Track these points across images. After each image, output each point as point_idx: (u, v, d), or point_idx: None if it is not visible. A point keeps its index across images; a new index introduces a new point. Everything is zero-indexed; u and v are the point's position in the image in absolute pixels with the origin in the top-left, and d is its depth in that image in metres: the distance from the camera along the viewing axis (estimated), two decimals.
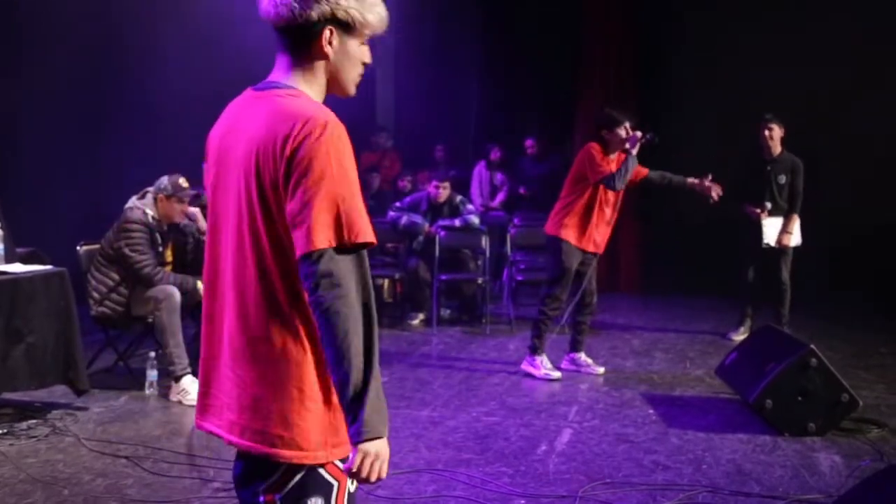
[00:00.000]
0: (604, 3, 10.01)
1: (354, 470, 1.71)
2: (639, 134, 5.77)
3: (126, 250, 5.38)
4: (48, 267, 5.07)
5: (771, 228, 6.99)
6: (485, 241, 7.93)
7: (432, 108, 11.04)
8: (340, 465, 1.81)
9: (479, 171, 10.17)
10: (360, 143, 10.63)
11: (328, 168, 1.70)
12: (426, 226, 7.92)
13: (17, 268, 4.88)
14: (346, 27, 1.85)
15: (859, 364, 6.40)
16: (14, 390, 4.74)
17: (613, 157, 5.85)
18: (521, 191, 9.92)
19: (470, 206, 8.20)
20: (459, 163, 10.55)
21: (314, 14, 1.80)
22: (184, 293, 5.46)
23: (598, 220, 5.87)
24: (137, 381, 5.50)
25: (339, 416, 1.77)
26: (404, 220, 7.96)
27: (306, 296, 1.72)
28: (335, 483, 1.83)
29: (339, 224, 1.69)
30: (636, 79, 10.06)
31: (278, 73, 1.89)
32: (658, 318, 8.42)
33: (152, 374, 5.42)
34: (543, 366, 5.98)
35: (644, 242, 10.11)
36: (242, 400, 1.82)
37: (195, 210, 6.05)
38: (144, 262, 5.40)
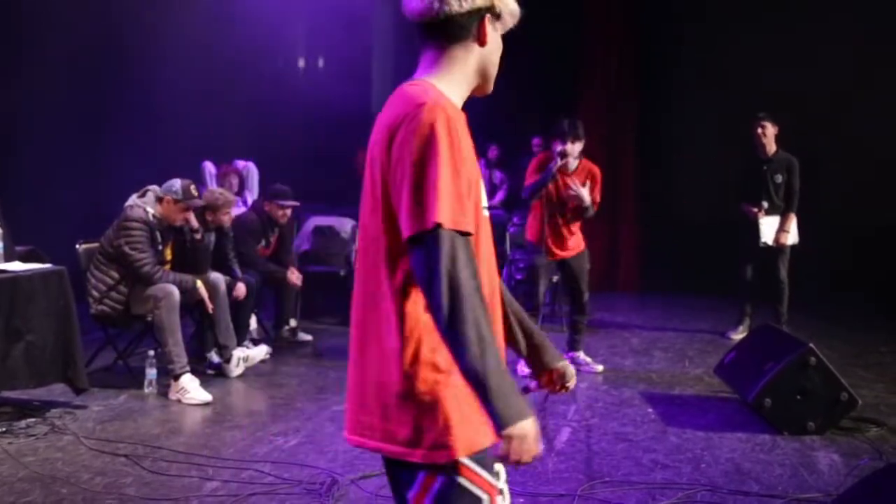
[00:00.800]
0: (605, 4, 10.01)
1: (503, 456, 1.66)
2: (557, 149, 5.82)
3: (126, 248, 5.38)
4: (47, 265, 5.07)
5: (768, 227, 7.01)
6: None
7: None
8: (489, 477, 1.78)
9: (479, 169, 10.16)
10: (357, 143, 10.65)
11: (419, 151, 1.68)
12: None
13: (17, 266, 4.88)
14: (498, 18, 1.85)
15: (859, 363, 6.40)
16: (13, 389, 4.74)
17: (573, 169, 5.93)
18: (525, 195, 9.91)
19: None
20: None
21: (478, 3, 1.80)
22: (183, 292, 5.46)
23: (550, 231, 5.97)
24: (136, 380, 5.50)
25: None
26: None
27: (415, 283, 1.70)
28: (485, 497, 1.77)
29: (438, 207, 1.64)
30: (637, 79, 10.08)
31: (421, 70, 1.87)
32: (657, 317, 8.42)
33: (151, 373, 5.42)
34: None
35: (643, 242, 10.11)
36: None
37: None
38: (144, 260, 5.40)
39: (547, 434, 4.69)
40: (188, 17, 8.21)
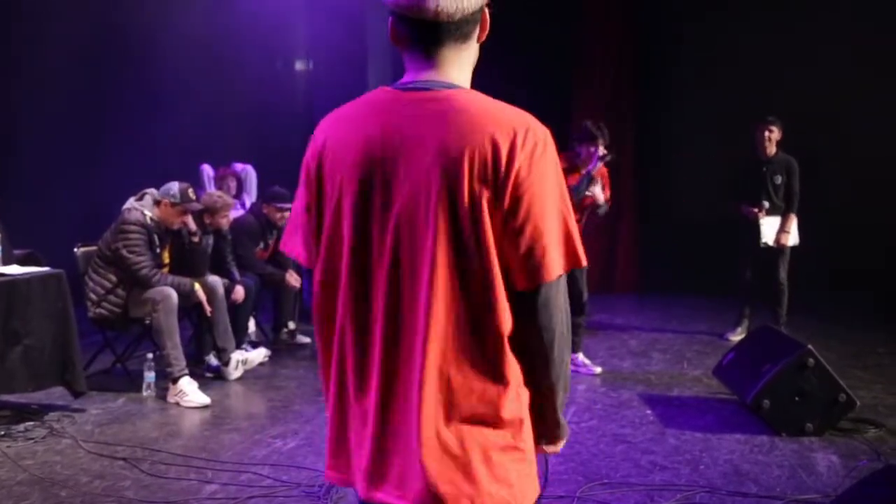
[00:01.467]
0: (603, 4, 10.02)
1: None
2: (603, 151, 5.90)
3: (123, 251, 5.38)
4: (45, 268, 5.07)
5: (769, 228, 7.00)
6: None
7: None
8: None
9: None
10: None
11: (559, 183, 1.61)
12: None
13: (15, 270, 4.88)
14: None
15: (857, 364, 6.40)
16: (11, 392, 4.74)
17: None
18: None
19: None
20: None
21: None
22: (181, 295, 5.46)
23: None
24: (135, 383, 5.50)
25: None
26: None
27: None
28: None
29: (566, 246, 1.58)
30: (635, 79, 10.07)
31: (441, 73, 1.63)
32: (655, 319, 8.42)
33: (150, 376, 5.42)
34: None
35: (641, 243, 10.12)
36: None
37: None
38: (142, 263, 5.39)
39: None
40: (188, 19, 8.21)
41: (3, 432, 4.52)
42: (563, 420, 1.72)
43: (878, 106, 8.79)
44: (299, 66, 10.91)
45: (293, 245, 1.73)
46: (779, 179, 7.01)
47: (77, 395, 4.96)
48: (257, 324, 6.98)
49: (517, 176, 1.51)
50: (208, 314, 5.70)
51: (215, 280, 5.93)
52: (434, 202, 1.52)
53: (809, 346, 4.80)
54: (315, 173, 1.66)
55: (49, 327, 4.79)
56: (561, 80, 10.23)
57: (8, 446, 4.34)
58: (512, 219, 1.52)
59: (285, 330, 7.01)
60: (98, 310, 5.50)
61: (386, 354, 1.58)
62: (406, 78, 1.65)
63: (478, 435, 1.57)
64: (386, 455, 1.60)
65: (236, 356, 5.89)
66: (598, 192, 5.97)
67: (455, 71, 1.64)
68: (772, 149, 7.05)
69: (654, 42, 10.08)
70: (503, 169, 1.50)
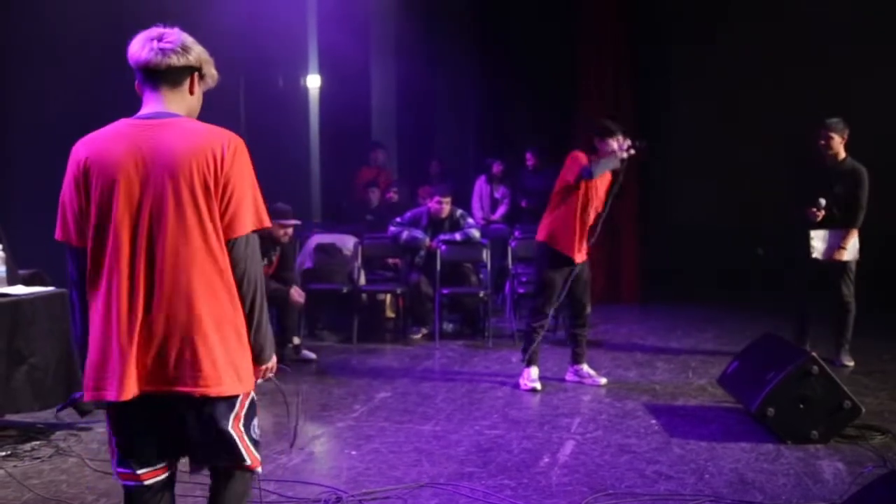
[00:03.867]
0: (602, 18, 10.06)
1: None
2: (629, 142, 5.84)
3: None
4: (50, 288, 5.09)
5: (819, 241, 6.44)
6: (486, 255, 7.96)
7: (430, 121, 11.10)
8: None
9: (480, 185, 10.22)
10: (357, 161, 10.71)
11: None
12: (427, 240, 7.94)
13: (20, 290, 4.90)
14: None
15: (861, 370, 6.40)
16: (17, 412, 4.75)
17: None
18: (523, 204, 9.95)
19: (471, 220, 8.22)
20: (456, 176, 10.59)
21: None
22: None
23: (583, 229, 5.94)
24: None
25: None
26: (405, 235, 7.98)
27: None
28: None
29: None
30: (635, 91, 10.09)
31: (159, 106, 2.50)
32: (660, 328, 8.42)
33: None
34: (528, 377, 6.01)
35: (645, 252, 10.12)
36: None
37: None
38: None
39: (550, 447, 4.70)
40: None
41: (9, 452, 4.54)
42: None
43: (878, 107, 8.79)
44: (302, 82, 10.98)
45: (66, 232, 2.45)
46: (839, 189, 6.38)
47: (83, 413, 4.96)
48: None
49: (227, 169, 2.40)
50: None
51: None
52: (172, 189, 2.36)
53: (813, 354, 4.80)
54: (83, 179, 2.40)
55: (54, 346, 4.81)
56: (561, 94, 10.28)
57: (14, 465, 4.35)
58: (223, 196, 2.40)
59: (290, 346, 7.02)
60: None
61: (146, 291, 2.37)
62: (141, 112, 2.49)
63: None
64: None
65: None
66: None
67: (174, 106, 2.49)
68: (835, 155, 6.42)
69: (653, 56, 10.13)
70: (220, 165, 2.39)
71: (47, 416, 5.07)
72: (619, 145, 5.84)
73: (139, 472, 2.46)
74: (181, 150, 2.36)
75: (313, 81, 10.99)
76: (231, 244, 2.40)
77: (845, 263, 6.45)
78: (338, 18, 10.21)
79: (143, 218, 2.35)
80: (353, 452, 4.62)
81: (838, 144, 6.43)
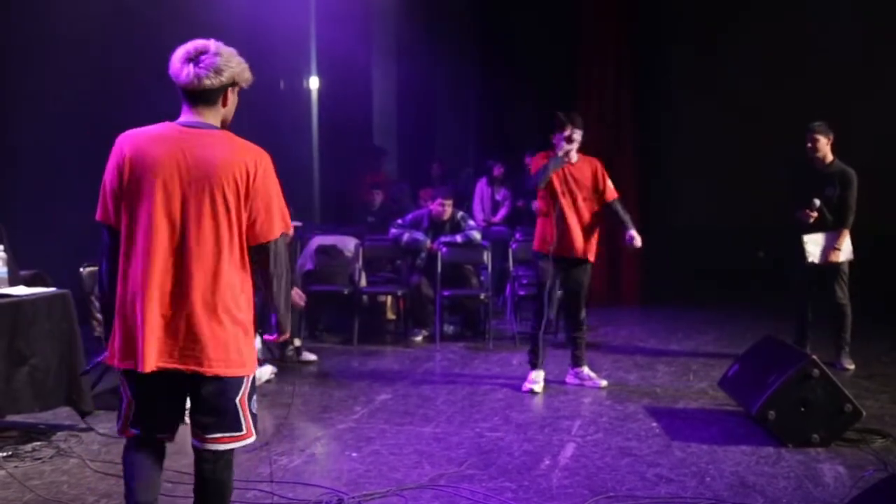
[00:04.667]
0: (603, 18, 10.07)
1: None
2: (565, 134, 5.73)
3: None
4: (51, 289, 5.09)
5: (813, 246, 6.45)
6: (486, 257, 7.97)
7: (431, 122, 11.11)
8: None
9: (481, 187, 10.23)
10: (359, 163, 10.72)
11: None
12: (428, 242, 7.95)
13: (21, 290, 4.90)
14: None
15: (862, 373, 6.40)
16: (18, 412, 4.75)
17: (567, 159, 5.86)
18: (520, 203, 9.96)
19: (471, 222, 8.23)
20: (456, 177, 10.60)
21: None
22: None
23: (570, 226, 5.83)
24: None
25: None
26: (406, 237, 7.98)
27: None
28: None
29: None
30: (635, 93, 10.11)
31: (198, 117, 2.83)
32: (660, 331, 8.42)
33: None
34: (529, 379, 6.02)
35: (645, 254, 10.09)
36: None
37: None
38: None
39: (551, 449, 4.70)
40: (195, 34, 8.25)
41: (10, 452, 4.53)
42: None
43: (877, 110, 8.81)
44: (304, 84, 10.98)
45: (105, 213, 2.78)
46: (831, 191, 6.40)
47: (84, 414, 4.97)
48: (263, 341, 6.98)
49: (255, 181, 2.76)
50: None
51: None
52: (209, 193, 2.71)
53: (814, 357, 4.81)
54: (125, 170, 2.73)
55: (55, 347, 4.81)
56: (563, 93, 10.29)
57: (15, 466, 4.35)
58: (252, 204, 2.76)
59: (291, 347, 7.02)
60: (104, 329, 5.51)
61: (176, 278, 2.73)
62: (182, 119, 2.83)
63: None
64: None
65: None
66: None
67: (210, 118, 2.81)
68: (822, 158, 6.45)
69: (655, 64, 10.14)
70: (252, 177, 2.75)
71: (48, 416, 5.08)
72: (568, 133, 5.72)
73: (144, 434, 2.90)
74: (221, 160, 2.70)
75: (314, 83, 11.00)
76: (264, 246, 2.80)
77: (839, 265, 6.47)
78: (338, 20, 10.22)
79: (181, 213, 2.69)
80: (354, 454, 4.62)
81: (825, 146, 6.46)
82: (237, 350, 2.79)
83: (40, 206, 7.41)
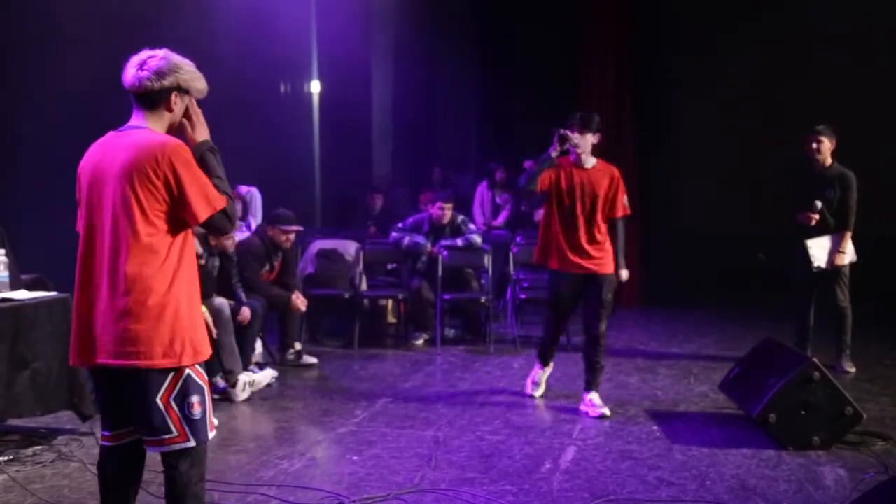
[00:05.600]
0: (603, 19, 10.08)
1: None
2: (559, 131, 5.36)
3: None
4: (53, 293, 5.10)
5: (819, 250, 6.40)
6: (487, 260, 7.97)
7: (431, 124, 11.12)
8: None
9: (482, 191, 10.24)
10: (359, 167, 10.72)
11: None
12: (429, 246, 7.95)
13: (22, 295, 4.90)
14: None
15: (863, 376, 6.40)
16: (19, 416, 4.75)
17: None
18: (524, 208, 9.96)
19: (472, 226, 8.24)
20: (458, 181, 10.61)
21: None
22: None
23: (570, 239, 5.45)
24: None
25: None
26: (407, 240, 7.99)
27: None
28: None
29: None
30: (635, 93, 10.11)
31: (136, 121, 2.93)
32: (661, 333, 8.42)
33: None
34: (533, 378, 6.00)
35: (645, 257, 10.13)
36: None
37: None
38: None
39: (552, 453, 4.70)
40: (195, 40, 8.26)
41: (11, 456, 4.54)
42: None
43: (877, 113, 8.81)
44: (304, 88, 11.00)
45: (79, 224, 2.97)
46: (831, 194, 6.39)
47: (85, 418, 4.97)
48: (264, 345, 7.01)
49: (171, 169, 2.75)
50: (214, 336, 5.72)
51: (221, 302, 5.96)
52: (121, 191, 2.77)
53: (814, 360, 4.80)
54: (79, 182, 2.96)
55: (56, 351, 4.81)
56: (564, 94, 10.30)
57: (17, 470, 4.36)
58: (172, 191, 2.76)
59: (291, 351, 7.03)
60: None
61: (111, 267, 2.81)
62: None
63: None
64: None
65: (243, 378, 5.90)
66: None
67: (152, 121, 2.86)
68: (823, 161, 6.43)
69: (656, 65, 10.15)
70: (161, 169, 2.74)
71: (50, 420, 5.08)
72: (562, 132, 5.35)
73: (106, 433, 2.92)
74: (132, 157, 2.74)
75: (315, 87, 11.02)
76: (204, 224, 2.80)
77: (839, 268, 6.45)
78: (339, 24, 10.23)
79: (108, 215, 2.80)
80: (355, 458, 4.62)
81: (827, 149, 6.45)
82: (159, 342, 2.74)
83: (40, 207, 7.40)
